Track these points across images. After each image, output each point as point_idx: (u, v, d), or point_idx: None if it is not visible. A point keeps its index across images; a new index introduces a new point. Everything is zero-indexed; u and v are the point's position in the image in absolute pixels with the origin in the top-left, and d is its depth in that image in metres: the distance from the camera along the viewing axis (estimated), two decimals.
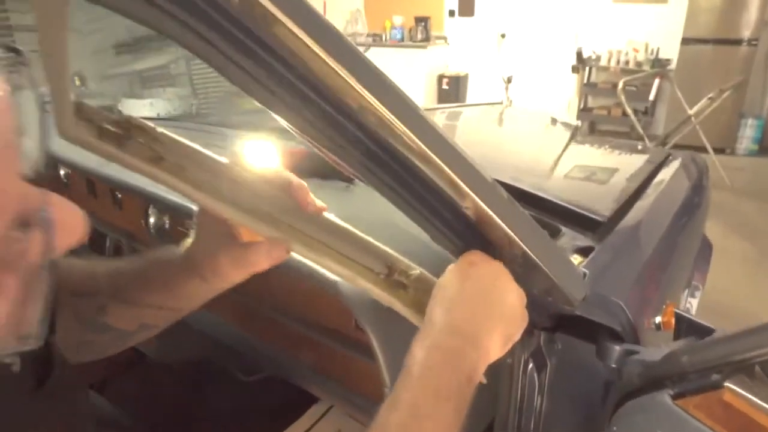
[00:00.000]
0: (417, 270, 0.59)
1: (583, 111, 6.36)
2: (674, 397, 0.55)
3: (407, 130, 0.38)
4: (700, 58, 5.70)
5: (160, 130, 0.49)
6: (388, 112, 0.36)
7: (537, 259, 0.53)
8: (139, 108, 2.09)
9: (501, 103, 2.50)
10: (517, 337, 0.57)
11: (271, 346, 0.90)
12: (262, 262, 0.55)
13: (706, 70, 5.58)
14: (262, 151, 0.65)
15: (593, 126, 6.43)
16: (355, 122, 0.39)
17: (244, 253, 0.56)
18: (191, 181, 0.49)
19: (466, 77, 6.85)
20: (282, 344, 0.90)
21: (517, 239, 0.50)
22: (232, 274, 0.58)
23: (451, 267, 0.55)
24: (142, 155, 0.47)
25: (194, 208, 0.57)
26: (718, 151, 4.95)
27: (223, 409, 1.24)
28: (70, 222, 0.30)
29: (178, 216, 0.94)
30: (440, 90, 6.83)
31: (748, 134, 5.98)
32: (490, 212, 0.47)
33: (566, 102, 6.39)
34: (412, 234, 0.61)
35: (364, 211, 0.71)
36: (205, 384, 1.26)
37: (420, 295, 0.59)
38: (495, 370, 0.82)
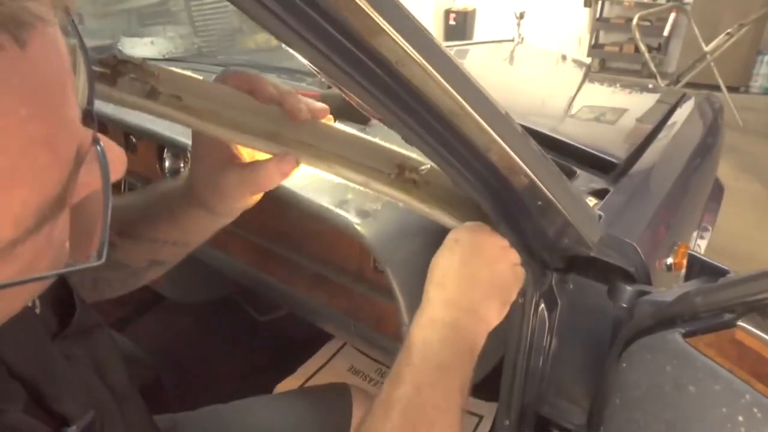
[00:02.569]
0: (427, 164, 0.58)
1: (594, 47, 6.17)
2: (685, 336, 0.57)
3: (437, 74, 0.37)
4: None
5: (150, 62, 0.48)
6: (418, 55, 0.35)
7: (557, 203, 0.54)
8: (140, 47, 2.03)
9: (512, 40, 2.41)
10: (513, 297, 0.61)
11: (288, 286, 0.92)
12: (272, 177, 0.53)
13: (725, 3, 5.35)
14: None
15: (603, 63, 6.25)
16: (385, 66, 0.38)
17: (250, 173, 0.54)
18: (190, 110, 0.49)
19: (473, 12, 6.58)
20: (299, 285, 0.91)
21: (538, 182, 0.50)
22: (240, 197, 0.56)
23: (441, 248, 0.57)
24: (137, 91, 0.47)
25: None
26: (732, 89, 4.83)
27: (240, 347, 1.29)
28: (115, 157, 0.31)
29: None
30: (447, 26, 6.56)
31: (764, 71, 5.81)
32: (514, 156, 0.46)
33: (576, 38, 6.18)
34: None
35: None
36: (222, 323, 1.30)
37: (432, 189, 0.59)
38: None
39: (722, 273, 0.62)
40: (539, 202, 0.55)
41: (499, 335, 0.90)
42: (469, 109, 0.40)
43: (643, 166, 0.93)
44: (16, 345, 0.41)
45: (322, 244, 0.85)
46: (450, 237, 0.57)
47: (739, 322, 0.50)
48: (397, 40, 0.35)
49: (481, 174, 0.51)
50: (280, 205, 0.75)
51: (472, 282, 0.55)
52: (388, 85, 0.39)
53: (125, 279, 0.65)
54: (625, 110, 1.33)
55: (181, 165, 0.93)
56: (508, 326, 0.86)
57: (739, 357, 0.50)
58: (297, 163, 0.53)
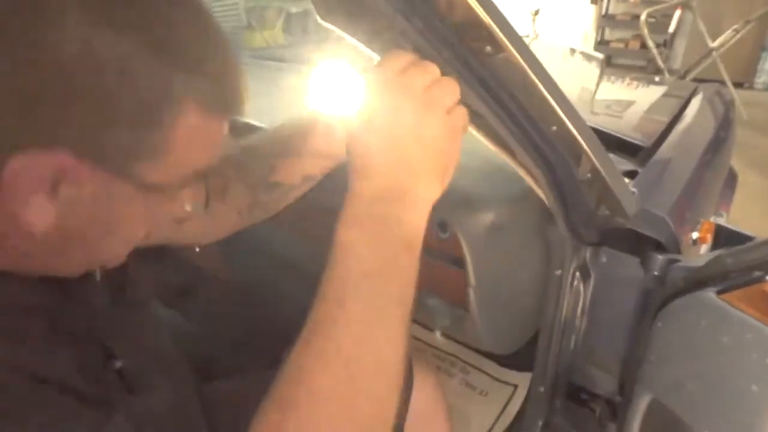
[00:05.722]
0: None
1: (600, 44, 6.23)
2: (718, 294, 0.64)
3: (522, 61, 0.44)
4: None
5: None
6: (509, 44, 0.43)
7: (606, 175, 0.61)
8: None
9: (528, 36, 2.48)
10: (457, 152, 0.48)
11: None
12: None
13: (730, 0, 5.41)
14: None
15: (609, 59, 6.31)
16: (470, 48, 0.46)
17: None
18: None
19: None
20: None
21: (591, 155, 0.58)
22: None
23: (356, 122, 0.46)
24: None
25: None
26: (737, 85, 4.88)
27: (287, 330, 1.34)
28: None
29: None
30: None
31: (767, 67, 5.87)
32: (573, 130, 0.54)
33: (582, 35, 6.24)
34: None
35: None
36: (270, 305, 1.36)
37: None
38: (542, 283, 0.91)
39: (748, 239, 0.70)
40: (588, 174, 0.62)
41: (533, 309, 0.97)
42: (545, 92, 0.48)
43: (667, 150, 1.00)
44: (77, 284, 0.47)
45: None
46: (360, 114, 0.46)
47: None
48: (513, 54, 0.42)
49: (541, 148, 0.58)
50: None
51: (399, 162, 0.45)
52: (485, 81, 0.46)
53: (278, 199, 0.71)
54: (642, 102, 1.40)
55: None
56: (546, 299, 0.93)
57: None
58: None
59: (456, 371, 1.34)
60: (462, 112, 0.47)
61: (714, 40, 4.25)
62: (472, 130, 0.60)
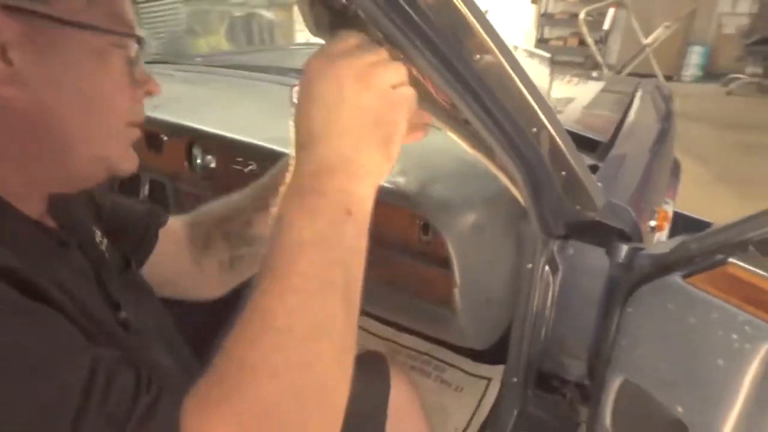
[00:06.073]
0: None
1: (540, 42, 6.46)
2: (683, 278, 0.68)
3: (508, 67, 0.47)
4: None
5: None
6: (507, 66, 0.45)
7: (579, 173, 0.64)
8: None
9: None
10: (401, 128, 0.47)
11: None
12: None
13: None
14: None
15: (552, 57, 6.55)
16: (461, 57, 0.47)
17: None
18: None
19: None
20: None
21: (567, 154, 0.61)
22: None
23: (299, 97, 0.46)
24: None
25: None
26: (667, 78, 5.18)
27: None
28: None
29: (227, 153, 0.98)
30: None
31: (694, 61, 6.26)
32: (554, 133, 0.56)
33: (523, 33, 6.45)
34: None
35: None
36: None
37: None
38: (514, 277, 0.95)
39: (706, 225, 0.75)
40: (563, 173, 0.65)
41: (507, 303, 1.01)
42: (529, 97, 0.50)
43: (621, 144, 1.06)
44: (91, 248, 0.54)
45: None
46: (303, 79, 0.46)
47: (730, 259, 0.62)
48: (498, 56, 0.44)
49: (520, 149, 0.61)
50: None
51: (339, 132, 0.45)
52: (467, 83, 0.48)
53: (260, 252, 0.71)
54: (582, 98, 1.47)
55: (212, 161, 0.98)
56: (518, 292, 0.96)
57: (731, 288, 0.62)
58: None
59: (430, 369, 1.37)
60: (408, 90, 0.47)
61: (647, 36, 4.49)
62: (450, 133, 0.62)
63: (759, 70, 5.87)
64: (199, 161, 0.98)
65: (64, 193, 0.51)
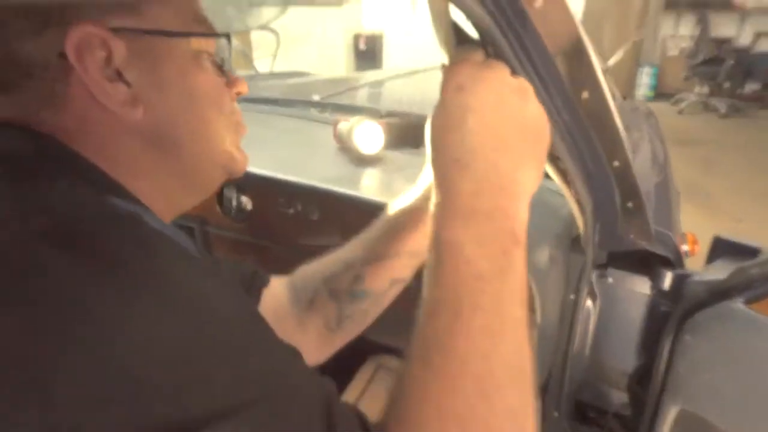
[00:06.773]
0: None
1: None
2: (745, 303, 0.69)
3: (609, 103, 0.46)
4: (604, 11, 6.13)
5: None
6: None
7: (645, 203, 0.64)
8: None
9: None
10: (547, 146, 0.44)
11: None
12: None
13: (608, 21, 6.03)
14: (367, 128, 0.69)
15: None
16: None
17: None
18: None
19: (381, 36, 6.51)
20: None
21: (639, 188, 0.60)
22: None
23: (439, 107, 0.42)
24: None
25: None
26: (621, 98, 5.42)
27: None
28: None
29: (267, 194, 0.93)
30: (357, 51, 6.47)
31: (644, 81, 6.58)
32: (633, 169, 0.56)
33: None
34: None
35: None
36: None
37: None
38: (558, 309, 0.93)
39: (755, 250, 0.76)
40: (630, 204, 0.64)
41: (553, 340, 0.99)
42: (620, 131, 0.50)
43: (641, 168, 1.08)
44: None
45: None
46: (449, 87, 0.41)
47: None
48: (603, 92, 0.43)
49: (598, 179, 0.60)
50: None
51: (501, 147, 0.40)
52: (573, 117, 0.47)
53: (367, 308, 0.68)
54: None
55: (247, 201, 0.92)
56: (561, 324, 0.95)
57: None
58: None
59: None
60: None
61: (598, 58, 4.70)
62: None
63: (705, 90, 6.22)
64: (234, 203, 0.92)
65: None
